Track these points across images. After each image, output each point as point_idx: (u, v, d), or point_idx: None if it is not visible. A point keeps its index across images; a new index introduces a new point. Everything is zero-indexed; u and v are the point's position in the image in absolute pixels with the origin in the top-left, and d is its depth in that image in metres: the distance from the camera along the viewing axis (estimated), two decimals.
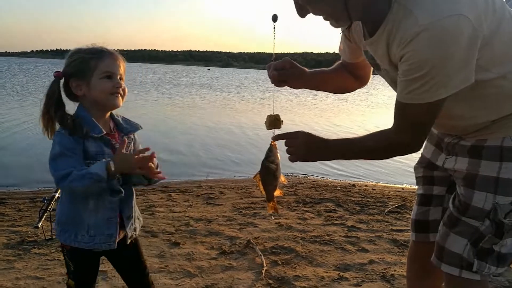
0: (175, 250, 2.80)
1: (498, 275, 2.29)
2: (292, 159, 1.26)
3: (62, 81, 1.36)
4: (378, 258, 2.78)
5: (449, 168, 1.31)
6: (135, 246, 1.54)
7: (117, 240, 1.38)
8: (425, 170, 1.47)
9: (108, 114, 1.43)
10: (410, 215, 3.80)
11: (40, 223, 2.26)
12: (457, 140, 1.27)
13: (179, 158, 6.55)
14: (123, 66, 1.40)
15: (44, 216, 2.28)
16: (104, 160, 1.29)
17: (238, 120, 11.66)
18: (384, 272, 2.53)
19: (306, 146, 1.24)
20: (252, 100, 20.01)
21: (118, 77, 1.37)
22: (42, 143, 4.94)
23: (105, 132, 1.35)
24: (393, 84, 1.20)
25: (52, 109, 1.32)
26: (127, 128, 1.47)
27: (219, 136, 8.78)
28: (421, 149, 1.45)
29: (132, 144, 1.49)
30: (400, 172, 6.33)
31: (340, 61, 1.53)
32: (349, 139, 1.28)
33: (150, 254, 2.70)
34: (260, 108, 15.60)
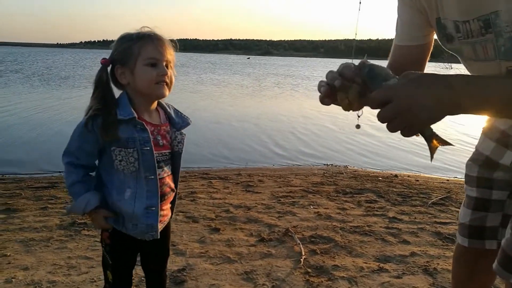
0: (215, 235, 2.87)
1: None
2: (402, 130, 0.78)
3: (109, 68, 1.32)
4: (420, 250, 2.71)
5: None
6: (164, 232, 1.48)
7: (159, 230, 1.37)
8: (481, 170, 1.31)
9: (155, 103, 1.38)
10: (455, 207, 3.70)
11: None
12: None
13: (218, 145, 6.65)
14: (171, 53, 1.32)
15: None
16: (88, 200, 1.28)
17: (276, 109, 11.64)
18: (427, 265, 2.47)
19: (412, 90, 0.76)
20: (289, 88, 19.86)
21: (164, 64, 1.29)
22: None
23: (135, 115, 1.27)
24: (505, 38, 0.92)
25: (99, 97, 1.29)
26: (179, 123, 1.43)
27: (257, 124, 8.81)
28: (478, 145, 1.33)
29: (181, 142, 1.44)
30: (445, 164, 6.08)
31: (387, 65, 1.21)
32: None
33: (191, 239, 2.79)
34: (296, 97, 15.46)
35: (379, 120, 0.78)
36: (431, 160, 0.92)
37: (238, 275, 2.32)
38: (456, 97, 0.77)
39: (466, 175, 1.36)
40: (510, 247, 1.13)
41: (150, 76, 1.27)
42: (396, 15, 1.20)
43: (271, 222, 3.15)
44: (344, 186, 4.36)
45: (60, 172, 5.03)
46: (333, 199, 3.88)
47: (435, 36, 1.19)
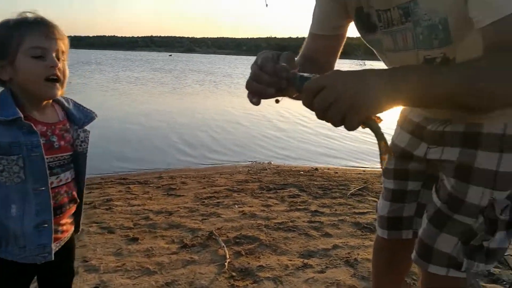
0: (133, 246, 2.67)
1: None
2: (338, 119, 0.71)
3: None
4: (341, 242, 2.77)
5: (433, 158, 1.16)
6: (66, 251, 1.29)
7: (54, 250, 1.18)
8: (397, 162, 1.32)
9: (50, 100, 1.18)
10: (372, 197, 3.87)
11: None
12: (444, 126, 1.11)
13: (138, 148, 6.32)
14: (63, 41, 1.13)
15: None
16: None
17: (198, 107, 11.45)
18: (348, 257, 2.53)
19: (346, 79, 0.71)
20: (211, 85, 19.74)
21: (54, 54, 1.10)
22: None
23: (20, 115, 1.05)
24: (431, 29, 0.93)
25: None
26: (81, 119, 1.23)
27: (179, 124, 8.56)
28: (394, 137, 1.34)
29: (85, 141, 1.25)
30: (361, 154, 6.42)
31: (299, 57, 1.19)
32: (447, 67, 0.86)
33: (106, 252, 2.56)
34: (219, 93, 15.39)
35: (316, 112, 0.71)
36: (381, 166, 0.88)
37: (158, 287, 2.17)
38: (393, 83, 0.73)
39: (384, 169, 1.37)
40: (427, 236, 1.15)
41: (36, 70, 1.07)
42: (314, 4, 1.17)
43: (194, 226, 3.02)
44: (268, 182, 4.37)
45: None
46: (257, 196, 3.85)
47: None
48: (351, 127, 0.71)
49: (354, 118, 0.70)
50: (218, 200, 3.70)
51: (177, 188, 4.13)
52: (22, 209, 1.10)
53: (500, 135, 1.00)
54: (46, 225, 1.13)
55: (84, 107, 1.28)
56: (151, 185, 4.25)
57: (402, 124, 1.31)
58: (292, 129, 8.50)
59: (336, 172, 5.05)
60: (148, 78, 21.92)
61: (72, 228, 1.31)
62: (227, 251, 2.56)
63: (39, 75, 1.08)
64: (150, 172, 5.03)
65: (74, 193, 1.27)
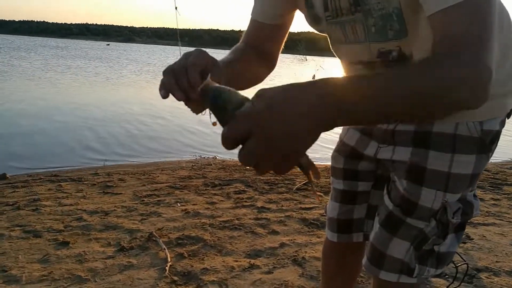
0: (63, 251, 2.41)
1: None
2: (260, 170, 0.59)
3: None
4: (288, 240, 2.70)
5: (384, 158, 1.09)
6: None
7: None
8: (347, 161, 1.25)
9: None
10: (317, 191, 3.86)
11: None
12: (395, 124, 1.04)
13: (70, 142, 5.86)
14: None
15: None
16: None
17: (135, 98, 10.95)
18: (296, 255, 2.46)
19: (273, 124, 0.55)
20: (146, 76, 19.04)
21: None
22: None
23: None
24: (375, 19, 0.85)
25: None
26: None
27: (115, 116, 8.11)
28: (343, 135, 1.26)
29: None
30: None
31: (241, 43, 1.09)
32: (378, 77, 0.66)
33: (29, 259, 2.28)
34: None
35: (243, 164, 0.57)
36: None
37: None
38: (333, 107, 0.58)
39: (332, 167, 1.29)
40: (379, 242, 1.08)
41: None
42: None
43: (132, 227, 2.80)
44: (213, 178, 4.22)
45: None
46: (201, 193, 3.69)
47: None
48: (280, 174, 0.61)
49: (286, 168, 0.59)
50: (159, 199, 3.48)
51: (114, 185, 3.85)
52: None
53: (451, 135, 0.95)
54: None
55: None
56: (85, 182, 3.92)
57: None
58: None
59: None
60: (82, 67, 20.64)
61: None
62: (168, 254, 2.39)
63: None
64: (85, 169, 4.66)
65: None
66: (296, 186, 3.99)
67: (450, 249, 1.03)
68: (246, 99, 0.58)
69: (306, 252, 2.52)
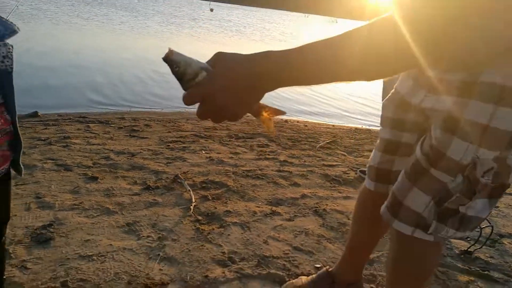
0: (92, 185, 2.50)
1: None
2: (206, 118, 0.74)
3: None
4: (310, 192, 2.73)
5: (426, 107, 1.04)
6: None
7: None
8: (396, 110, 1.20)
9: None
10: (340, 150, 3.85)
11: None
12: (445, 72, 0.97)
13: (98, 86, 5.94)
14: None
15: None
16: None
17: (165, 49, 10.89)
18: (317, 207, 2.49)
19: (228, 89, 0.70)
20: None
21: None
22: None
23: None
24: None
25: None
26: (0, 30, 1.01)
27: (144, 63, 8.12)
28: (397, 82, 1.21)
29: (8, 56, 1.03)
30: (330, 111, 6.39)
31: None
32: (323, 41, 0.69)
33: (61, 190, 2.38)
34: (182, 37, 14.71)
35: (199, 119, 0.75)
36: (272, 134, 0.87)
37: (118, 227, 2.04)
38: (269, 82, 0.70)
39: (382, 116, 1.26)
40: (399, 189, 1.06)
41: None
42: None
43: (158, 169, 2.87)
44: (237, 131, 4.24)
45: None
46: (225, 143, 3.73)
47: None
48: (234, 121, 0.76)
49: (235, 120, 0.73)
50: (184, 145, 3.54)
51: (140, 130, 3.92)
52: None
53: (499, 85, 0.85)
54: None
55: (3, 18, 1.05)
56: (112, 125, 4.01)
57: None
58: None
59: (306, 125, 4.98)
60: (108, 17, 20.57)
61: (8, 161, 1.10)
62: (193, 195, 2.45)
63: None
64: (111, 112, 4.74)
65: (7, 120, 1.07)
66: (320, 144, 3.98)
67: (479, 214, 0.96)
68: (200, 70, 0.69)
69: (327, 205, 2.54)
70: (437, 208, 0.97)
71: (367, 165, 1.34)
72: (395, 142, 1.22)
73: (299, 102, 6.67)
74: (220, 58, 0.70)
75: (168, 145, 3.49)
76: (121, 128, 3.93)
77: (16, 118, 1.08)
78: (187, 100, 0.70)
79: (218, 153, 3.42)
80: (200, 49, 11.92)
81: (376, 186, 1.29)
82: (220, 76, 0.68)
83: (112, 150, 3.17)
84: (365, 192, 1.37)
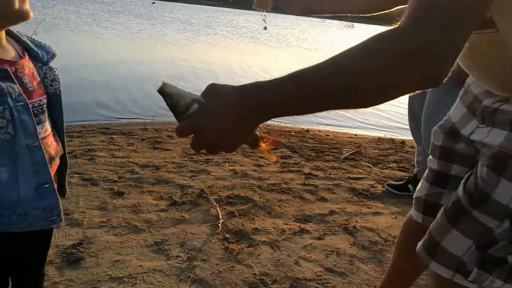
0: (118, 200, 2.49)
1: None
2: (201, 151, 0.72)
3: None
4: (338, 208, 2.67)
5: (476, 140, 0.97)
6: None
7: (62, 212, 1.01)
8: (445, 139, 1.13)
9: (3, 32, 0.94)
10: (365, 162, 3.77)
11: None
12: (501, 103, 0.90)
13: (119, 97, 5.99)
14: None
15: None
16: None
17: (182, 57, 10.98)
18: (346, 224, 2.43)
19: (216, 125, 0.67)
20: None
21: None
22: None
23: None
24: None
25: None
26: (43, 55, 1.01)
27: (162, 74, 8.18)
28: (451, 110, 1.14)
29: (55, 79, 1.04)
30: (351, 119, 6.30)
31: None
32: (300, 71, 0.65)
33: (89, 205, 2.38)
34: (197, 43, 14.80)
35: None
36: (272, 160, 0.91)
37: (147, 246, 2.02)
38: (258, 116, 0.67)
39: (432, 144, 1.19)
40: (436, 229, 0.98)
41: None
42: None
43: (183, 183, 2.85)
44: None
45: None
46: (248, 155, 3.69)
47: None
48: (229, 152, 0.72)
49: (229, 151, 0.71)
50: (207, 157, 3.51)
51: (163, 141, 3.92)
52: (15, 171, 0.90)
53: None
54: (47, 185, 0.94)
55: (41, 42, 1.05)
56: (135, 136, 4.02)
57: (462, 95, 1.11)
58: None
59: (328, 135, 4.92)
60: (126, 25, 20.88)
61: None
62: (219, 211, 2.42)
63: None
64: (134, 123, 4.76)
65: (58, 142, 1.07)
66: (344, 156, 3.91)
67: None
68: (192, 102, 0.68)
69: (357, 221, 2.48)
70: (479, 254, 0.89)
71: (414, 195, 1.28)
72: (444, 173, 1.15)
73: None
74: (211, 90, 0.69)
75: (192, 157, 3.47)
76: (144, 139, 3.93)
77: (64, 139, 1.09)
78: (179, 133, 0.69)
79: (241, 165, 3.38)
80: (216, 57, 11.99)
81: (424, 219, 1.22)
82: (211, 109, 0.67)
83: (136, 163, 3.17)
84: (411, 222, 1.30)
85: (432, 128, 1.20)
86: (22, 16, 0.90)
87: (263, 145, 0.75)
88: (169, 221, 2.29)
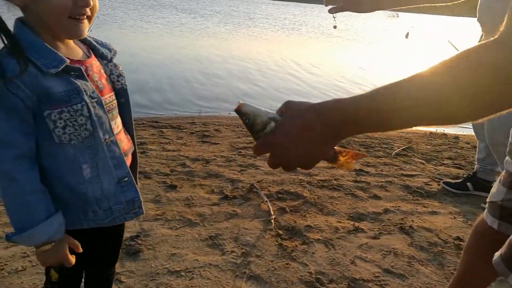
0: (172, 194, 2.54)
1: None
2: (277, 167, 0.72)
3: None
4: (392, 206, 2.58)
5: None
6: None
7: (143, 203, 1.04)
8: None
9: None
10: (418, 158, 3.62)
11: None
12: None
13: (167, 91, 6.11)
14: None
15: None
16: (61, 223, 0.90)
17: (226, 52, 11.03)
18: (402, 223, 2.34)
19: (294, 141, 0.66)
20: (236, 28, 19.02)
21: None
22: None
23: (68, 61, 0.86)
24: None
25: None
26: (107, 52, 1.03)
27: (208, 68, 8.26)
28: None
29: (121, 75, 1.07)
30: None
31: None
32: (387, 87, 0.62)
33: (144, 198, 2.43)
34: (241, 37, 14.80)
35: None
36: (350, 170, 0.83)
37: (202, 240, 2.04)
38: (344, 121, 0.64)
39: (510, 144, 1.11)
40: None
41: (62, 3, 0.84)
42: None
43: (233, 177, 2.86)
44: None
45: None
46: None
47: None
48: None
49: (308, 168, 0.70)
50: None
51: (211, 135, 3.95)
52: (96, 167, 0.92)
53: None
54: (126, 179, 0.96)
55: (102, 41, 1.07)
56: (184, 130, 4.08)
57: None
58: (335, 82, 8.12)
59: None
60: (169, 20, 21.27)
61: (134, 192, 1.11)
62: (270, 206, 2.41)
63: (63, 10, 0.84)
64: (182, 117, 4.84)
65: (129, 138, 1.09)
66: (395, 152, 3.77)
67: None
68: (269, 120, 0.68)
69: (413, 221, 2.38)
70: None
71: (487, 199, 1.19)
72: None
73: None
74: (288, 107, 0.68)
75: (240, 152, 3.48)
76: (193, 133, 3.99)
77: (134, 135, 1.11)
78: (257, 151, 0.70)
79: None
80: (258, 48, 11.96)
81: (501, 226, 1.13)
82: (289, 127, 0.66)
83: (187, 157, 3.22)
84: (484, 227, 1.21)
85: (496, 124, 1.11)
86: (72, 37, 0.94)
87: (342, 159, 0.74)
88: (221, 215, 2.30)
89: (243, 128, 4.31)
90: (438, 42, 16.56)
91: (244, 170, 3.03)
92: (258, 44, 13.20)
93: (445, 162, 3.63)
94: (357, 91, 6.94)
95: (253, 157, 3.33)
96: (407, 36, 17.53)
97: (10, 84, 0.81)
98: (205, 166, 3.05)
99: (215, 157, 3.28)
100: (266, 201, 2.48)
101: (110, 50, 1.06)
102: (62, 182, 0.92)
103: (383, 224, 2.32)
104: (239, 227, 2.19)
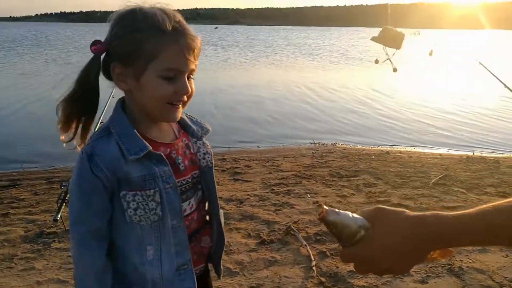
0: None
1: None
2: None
3: (102, 56, 0.89)
4: None
5: None
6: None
7: None
8: None
9: None
10: (457, 187, 3.48)
11: (59, 215, 1.99)
12: None
13: None
14: (196, 53, 0.90)
15: (63, 206, 2.02)
16: None
17: (248, 81, 11.18)
18: (450, 264, 2.23)
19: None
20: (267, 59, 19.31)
21: (186, 75, 0.88)
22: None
23: (150, 148, 0.88)
24: None
25: (80, 104, 0.89)
26: (198, 130, 1.03)
27: (232, 99, 8.36)
28: None
29: (208, 152, 1.06)
30: (433, 135, 5.93)
31: None
32: (495, 207, 0.61)
33: None
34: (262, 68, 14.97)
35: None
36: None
37: None
38: (444, 236, 0.62)
39: None
40: None
41: (163, 92, 0.86)
42: None
43: (269, 218, 2.82)
44: (337, 168, 4.08)
45: (21, 163, 4.48)
46: (329, 184, 3.59)
47: None
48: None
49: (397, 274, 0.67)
50: (287, 188, 3.47)
51: (243, 172, 3.95)
52: (159, 251, 0.92)
53: None
54: (186, 266, 0.95)
55: (197, 119, 1.07)
56: (215, 167, 4.08)
57: None
58: (362, 108, 8.06)
59: (410, 156, 4.65)
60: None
61: (203, 264, 1.06)
62: (310, 251, 2.35)
63: (164, 98, 0.87)
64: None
65: (205, 215, 1.07)
66: (433, 181, 3.65)
67: None
68: (358, 229, 0.65)
69: (462, 260, 2.26)
70: None
71: None
72: None
73: (398, 129, 6.29)
74: (380, 215, 0.66)
75: (273, 189, 3.45)
76: (224, 170, 4.00)
77: (220, 213, 1.09)
78: (345, 260, 0.68)
79: (324, 196, 3.29)
80: (277, 77, 12.10)
81: None
82: (382, 237, 0.64)
83: (221, 198, 3.21)
84: None
85: None
86: (167, 121, 0.97)
87: (430, 257, 0.70)
88: (261, 263, 2.26)
89: (273, 163, 4.30)
90: (463, 60, 16.27)
91: (279, 210, 2.99)
92: (276, 72, 13.34)
93: (488, 190, 3.47)
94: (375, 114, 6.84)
95: (287, 195, 3.30)
96: (430, 53, 17.30)
97: (94, 165, 0.85)
98: (239, 207, 3.03)
99: (248, 196, 3.26)
100: (305, 245, 2.42)
101: (202, 128, 1.06)
102: (129, 262, 0.92)
103: (429, 266, 2.22)
104: (280, 275, 2.13)
